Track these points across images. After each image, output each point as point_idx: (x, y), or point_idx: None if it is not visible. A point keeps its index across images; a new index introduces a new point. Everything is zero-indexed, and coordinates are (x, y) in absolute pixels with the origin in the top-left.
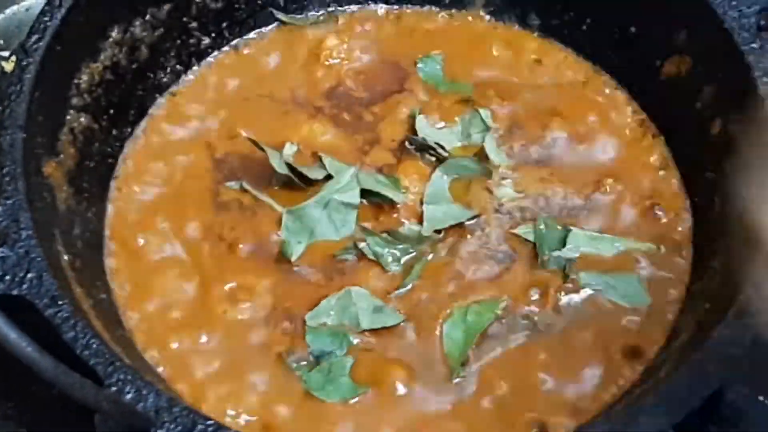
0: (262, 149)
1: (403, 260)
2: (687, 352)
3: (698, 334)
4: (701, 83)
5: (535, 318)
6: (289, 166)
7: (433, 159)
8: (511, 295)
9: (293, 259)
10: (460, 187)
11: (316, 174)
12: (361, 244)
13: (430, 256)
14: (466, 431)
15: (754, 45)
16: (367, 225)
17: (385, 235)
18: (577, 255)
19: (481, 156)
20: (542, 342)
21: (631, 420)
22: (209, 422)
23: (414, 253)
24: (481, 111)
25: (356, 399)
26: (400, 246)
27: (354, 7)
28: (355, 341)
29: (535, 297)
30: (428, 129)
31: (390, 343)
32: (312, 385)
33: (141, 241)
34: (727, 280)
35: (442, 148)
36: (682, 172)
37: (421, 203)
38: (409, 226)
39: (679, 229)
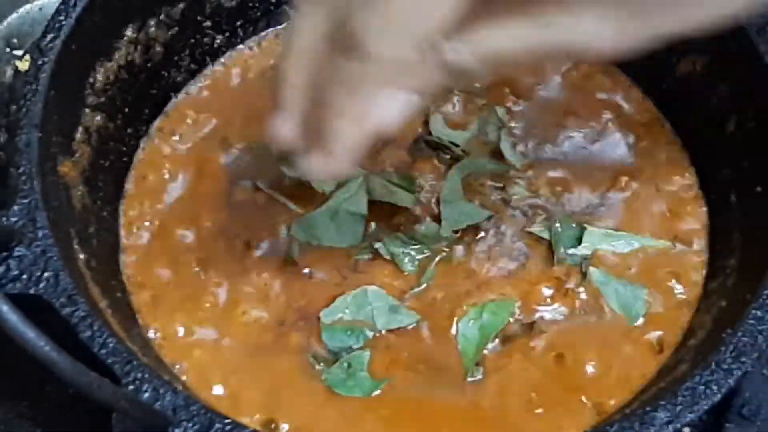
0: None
1: (418, 260)
2: (703, 350)
3: (715, 332)
4: (717, 81)
5: (551, 316)
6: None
7: (448, 157)
8: (526, 293)
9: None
10: (472, 184)
11: (325, 186)
12: (377, 244)
13: (445, 255)
14: (479, 430)
15: None
16: (382, 224)
17: (401, 234)
18: (593, 252)
19: (497, 154)
20: (558, 341)
21: (648, 416)
22: (227, 421)
23: (429, 254)
24: (498, 109)
25: (377, 392)
26: (416, 246)
27: None
28: (371, 334)
29: (551, 295)
30: (442, 128)
31: (405, 341)
32: (332, 382)
33: (156, 240)
34: (744, 277)
35: (457, 146)
36: (697, 169)
37: (437, 202)
38: (425, 225)
39: (695, 226)
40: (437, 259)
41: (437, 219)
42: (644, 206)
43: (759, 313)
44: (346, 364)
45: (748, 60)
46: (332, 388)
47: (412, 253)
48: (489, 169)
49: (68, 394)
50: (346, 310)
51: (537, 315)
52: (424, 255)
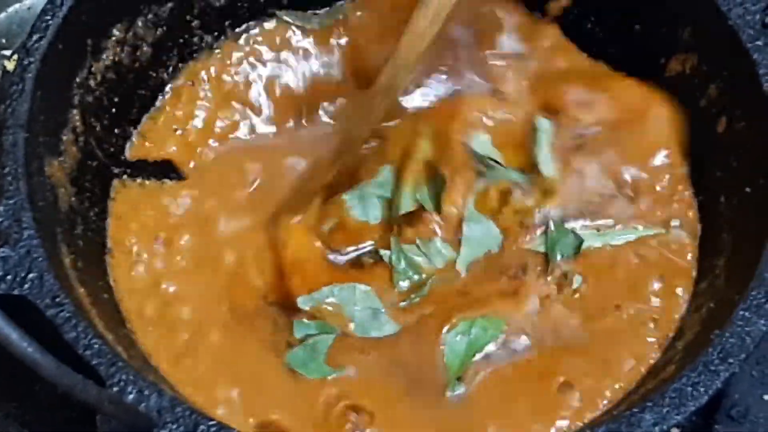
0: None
1: (415, 280)
2: (692, 351)
3: (703, 333)
4: (706, 81)
5: (540, 333)
6: None
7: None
8: (519, 308)
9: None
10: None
11: None
12: (383, 251)
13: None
14: None
15: (759, 42)
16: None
17: (413, 247)
18: (583, 254)
19: (529, 167)
20: (550, 353)
21: (635, 418)
22: (211, 422)
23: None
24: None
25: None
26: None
27: (357, 2)
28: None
29: (543, 310)
30: (489, 149)
31: (385, 349)
32: (295, 363)
33: (143, 241)
34: (732, 278)
35: (498, 163)
36: (687, 170)
37: (458, 220)
38: (440, 246)
39: (684, 227)
40: (433, 278)
41: (453, 240)
42: (634, 206)
43: (747, 314)
44: (310, 346)
45: (737, 60)
46: (294, 368)
47: (415, 277)
48: (515, 180)
49: (57, 395)
50: (328, 301)
51: (526, 331)
52: (422, 278)
